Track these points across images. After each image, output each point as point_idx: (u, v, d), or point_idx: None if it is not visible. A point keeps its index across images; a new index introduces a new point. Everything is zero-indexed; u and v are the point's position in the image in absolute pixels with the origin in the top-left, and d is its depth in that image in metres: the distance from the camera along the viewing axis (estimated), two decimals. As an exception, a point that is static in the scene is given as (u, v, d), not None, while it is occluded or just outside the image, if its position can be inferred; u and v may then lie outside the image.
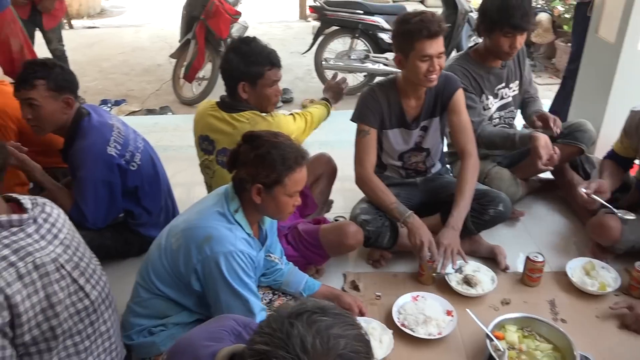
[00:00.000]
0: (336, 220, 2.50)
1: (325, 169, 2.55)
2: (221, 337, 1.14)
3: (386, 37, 4.94)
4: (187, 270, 1.68)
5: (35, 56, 3.50)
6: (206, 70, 5.09)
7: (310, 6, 5.11)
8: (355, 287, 2.29)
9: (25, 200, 1.46)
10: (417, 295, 2.18)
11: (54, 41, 4.48)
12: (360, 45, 5.13)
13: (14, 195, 1.49)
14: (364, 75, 5.19)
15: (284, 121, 2.18)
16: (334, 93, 2.60)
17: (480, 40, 2.64)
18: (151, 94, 5.39)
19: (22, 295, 1.31)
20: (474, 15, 4.71)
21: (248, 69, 2.08)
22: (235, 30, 5.06)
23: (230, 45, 2.17)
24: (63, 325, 1.42)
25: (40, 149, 2.46)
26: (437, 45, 2.10)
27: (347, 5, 4.96)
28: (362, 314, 2.06)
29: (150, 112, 4.84)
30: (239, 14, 4.91)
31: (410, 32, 2.10)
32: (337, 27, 5.08)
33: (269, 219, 1.87)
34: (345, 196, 2.66)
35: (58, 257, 1.42)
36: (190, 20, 4.95)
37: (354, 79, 5.15)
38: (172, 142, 3.75)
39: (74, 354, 1.47)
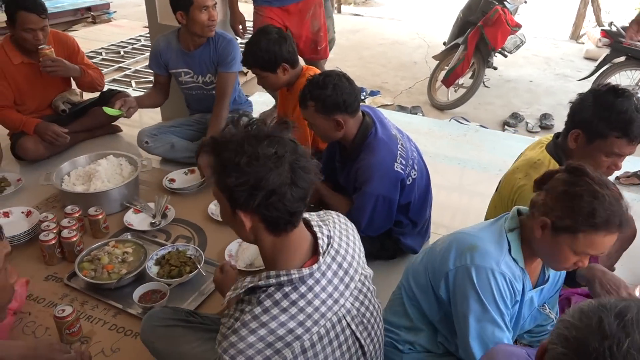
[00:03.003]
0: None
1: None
2: None
3: (691, 78, 4.15)
4: (440, 272, 1.54)
5: (327, 40, 3.71)
6: (466, 78, 4.91)
7: (602, 29, 4.53)
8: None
9: (323, 237, 1.23)
10: None
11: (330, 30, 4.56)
12: (653, 82, 4.41)
13: (310, 219, 1.27)
14: (647, 118, 4.45)
15: None
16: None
17: None
18: (404, 90, 5.40)
19: None
20: None
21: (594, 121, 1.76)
22: (510, 43, 4.75)
23: (594, 87, 1.86)
24: None
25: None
26: None
27: (651, 35, 4.28)
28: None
29: (402, 108, 4.84)
30: (519, 26, 4.59)
31: None
32: (628, 58, 4.44)
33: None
34: (632, 266, 2.25)
35: (346, 314, 1.22)
36: (464, 25, 4.80)
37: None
38: (425, 147, 3.65)
39: None
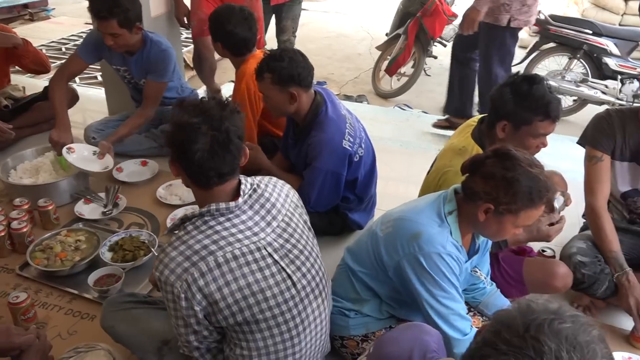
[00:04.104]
0: (542, 251, 2.32)
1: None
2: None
3: (612, 62, 4.49)
4: (389, 261, 1.67)
5: (262, 33, 3.77)
6: (408, 67, 5.10)
7: (531, 18, 4.80)
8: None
9: (247, 185, 1.45)
10: (630, 358, 1.95)
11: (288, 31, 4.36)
12: (578, 67, 4.73)
13: (242, 178, 1.48)
14: (574, 100, 4.78)
15: None
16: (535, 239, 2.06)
17: None
18: (349, 80, 5.56)
19: (217, 284, 1.32)
20: None
21: (518, 111, 1.90)
22: (448, 32, 4.97)
23: (509, 79, 1.98)
24: (265, 313, 1.40)
25: (271, 116, 2.66)
26: None
27: (575, 22, 4.60)
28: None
29: (347, 98, 4.98)
30: (455, 15, 4.81)
31: None
32: (555, 44, 4.75)
33: None
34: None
35: (267, 245, 1.40)
36: (404, 16, 4.98)
37: (563, 102, 4.77)
38: (370, 132, 3.80)
39: (280, 342, 1.45)
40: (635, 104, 4.40)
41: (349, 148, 2.23)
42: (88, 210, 2.63)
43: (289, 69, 2.15)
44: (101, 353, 1.55)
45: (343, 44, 6.69)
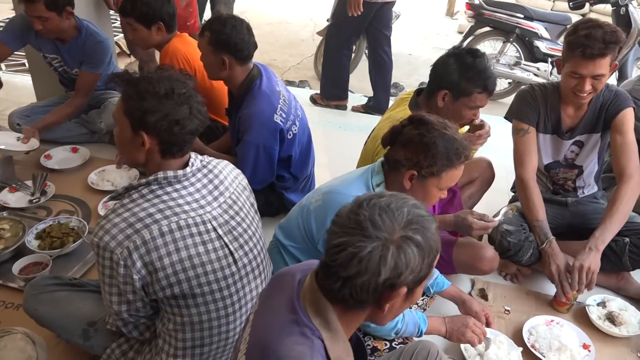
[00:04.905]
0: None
1: (482, 174, 2.44)
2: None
3: (543, 45, 4.68)
4: (319, 232, 1.69)
5: (196, 17, 3.71)
6: (349, 51, 5.12)
7: (467, 2, 4.94)
8: (484, 296, 2.20)
9: (197, 160, 1.46)
10: (552, 320, 2.05)
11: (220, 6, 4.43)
12: (512, 50, 4.90)
13: (193, 154, 1.48)
14: (509, 83, 4.96)
15: None
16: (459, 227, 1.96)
17: None
18: (292, 66, 5.54)
19: (159, 253, 1.31)
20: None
21: (460, 81, 1.96)
22: (386, 17, 5.02)
23: (453, 50, 2.04)
24: (204, 287, 1.39)
25: (206, 101, 2.61)
26: (593, 67, 1.95)
27: (507, 7, 4.75)
28: (488, 324, 1.97)
29: (289, 83, 4.97)
30: (393, 2, 4.86)
31: (571, 44, 1.98)
32: (490, 29, 4.90)
33: None
34: (487, 202, 2.56)
35: (212, 219, 1.40)
36: (343, 1, 4.99)
37: (499, 85, 4.93)
38: (310, 116, 3.81)
39: (215, 319, 1.44)
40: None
41: (280, 123, 2.23)
42: (14, 198, 2.52)
43: (227, 35, 2.15)
44: (17, 337, 1.50)
45: (286, 30, 6.66)
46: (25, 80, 3.92)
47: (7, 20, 5.58)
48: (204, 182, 1.44)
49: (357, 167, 2.30)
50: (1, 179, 2.59)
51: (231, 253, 1.43)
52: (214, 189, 1.45)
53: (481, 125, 2.12)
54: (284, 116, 2.26)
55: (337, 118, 3.84)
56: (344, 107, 4.12)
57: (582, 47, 1.94)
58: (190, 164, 1.42)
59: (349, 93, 4.79)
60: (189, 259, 1.35)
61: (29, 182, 2.59)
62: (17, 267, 2.04)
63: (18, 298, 1.99)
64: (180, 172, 1.38)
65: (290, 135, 2.30)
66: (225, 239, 1.42)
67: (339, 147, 3.37)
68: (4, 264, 2.11)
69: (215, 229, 1.40)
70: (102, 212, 2.45)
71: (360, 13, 3.57)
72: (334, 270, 0.94)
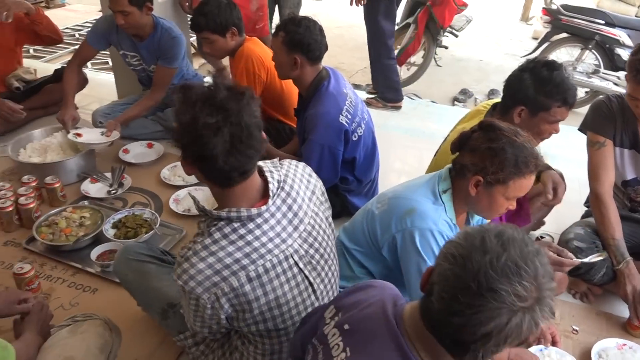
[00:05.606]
0: (541, 238, 2.32)
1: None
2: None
3: (625, 53, 4.43)
4: (383, 237, 1.68)
5: (266, 20, 3.81)
6: (418, 56, 5.08)
7: (543, 8, 4.77)
8: (552, 314, 2.12)
9: (274, 181, 1.33)
10: (624, 344, 1.94)
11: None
12: (590, 58, 4.68)
13: (264, 166, 1.37)
14: (585, 92, 4.74)
15: None
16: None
17: None
18: (359, 70, 5.56)
19: (247, 297, 1.28)
20: None
21: (537, 96, 1.89)
22: (457, 21, 4.95)
23: (527, 64, 1.96)
24: (287, 322, 1.37)
25: (276, 102, 2.69)
26: None
27: (587, 12, 4.54)
28: (554, 343, 1.90)
29: (356, 87, 4.98)
30: (465, 5, 4.79)
31: (630, 65, 1.89)
32: (567, 35, 4.70)
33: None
34: (558, 216, 2.46)
35: (293, 253, 1.34)
36: (414, 5, 4.95)
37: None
38: (376, 119, 3.80)
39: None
40: None
41: (345, 124, 2.25)
42: (94, 189, 2.68)
43: (301, 35, 2.21)
44: (97, 322, 1.59)
45: (355, 34, 6.67)
46: (108, 78, 4.16)
47: (94, 21, 5.98)
48: (284, 211, 1.34)
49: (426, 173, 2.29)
50: (84, 171, 2.76)
51: (310, 284, 1.40)
52: (293, 217, 1.36)
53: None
54: (350, 118, 2.28)
55: (402, 123, 3.81)
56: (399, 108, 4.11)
57: (636, 71, 1.85)
58: (270, 192, 1.31)
59: (416, 97, 4.76)
60: (275, 299, 1.32)
61: (108, 174, 2.76)
62: (95, 253, 2.18)
63: (95, 282, 2.12)
64: (263, 208, 1.28)
65: (355, 137, 2.32)
66: (305, 271, 1.38)
67: (402, 153, 3.35)
68: (83, 250, 2.25)
69: (296, 263, 1.35)
70: (173, 206, 2.56)
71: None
72: (458, 329, 0.88)
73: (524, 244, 0.89)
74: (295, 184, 1.40)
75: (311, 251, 1.39)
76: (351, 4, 3.78)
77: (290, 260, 1.33)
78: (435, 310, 0.91)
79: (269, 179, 1.33)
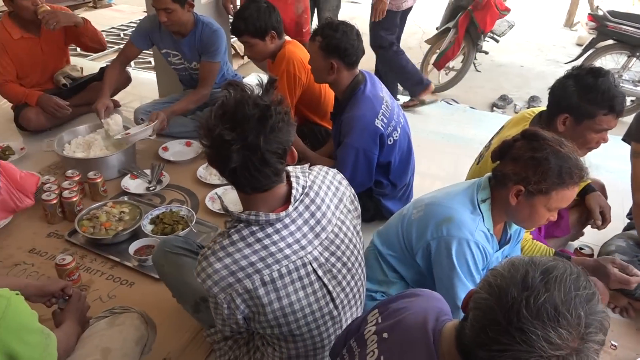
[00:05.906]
0: (580, 249, 2.26)
1: None
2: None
3: (674, 62, 4.28)
4: (418, 243, 1.67)
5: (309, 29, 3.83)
6: (457, 61, 5.02)
7: (589, 14, 4.64)
8: None
9: (298, 187, 1.33)
10: (666, 363, 1.88)
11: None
12: (637, 66, 4.53)
13: (292, 171, 1.36)
14: (631, 100, 4.59)
15: None
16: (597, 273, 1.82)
17: None
18: (397, 74, 5.51)
19: (262, 301, 1.29)
20: None
21: (581, 104, 1.84)
22: (499, 26, 4.87)
23: (571, 71, 1.92)
24: (302, 328, 1.37)
25: (313, 105, 2.71)
26: None
27: (635, 19, 4.40)
28: (592, 359, 1.84)
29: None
30: (508, 10, 4.70)
31: None
32: (613, 42, 4.56)
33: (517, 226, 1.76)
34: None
35: (312, 260, 1.34)
36: (455, 9, 4.89)
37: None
38: (413, 124, 3.78)
39: (311, 350, 1.44)
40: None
41: (381, 127, 2.25)
42: (134, 185, 2.76)
43: (338, 40, 2.22)
44: (135, 315, 1.63)
45: (392, 38, 6.64)
46: (150, 77, 4.26)
47: (137, 22, 6.15)
48: (306, 217, 1.34)
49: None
50: (124, 167, 2.84)
51: (329, 292, 1.39)
52: (316, 224, 1.35)
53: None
54: (385, 121, 2.28)
55: (439, 128, 3.77)
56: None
57: None
58: (292, 198, 1.31)
59: (454, 103, 4.70)
60: (289, 305, 1.32)
61: (148, 171, 2.83)
62: (132, 248, 2.24)
63: (132, 276, 2.18)
64: (282, 214, 1.28)
65: (390, 141, 2.32)
66: (324, 279, 1.37)
67: (439, 158, 3.32)
68: (121, 244, 2.32)
69: (315, 271, 1.34)
70: (209, 204, 2.61)
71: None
72: None
73: (575, 288, 0.80)
74: (322, 190, 1.40)
75: (332, 259, 1.38)
76: (371, 18, 3.82)
77: (309, 267, 1.33)
78: (467, 336, 0.88)
79: (294, 184, 1.33)
